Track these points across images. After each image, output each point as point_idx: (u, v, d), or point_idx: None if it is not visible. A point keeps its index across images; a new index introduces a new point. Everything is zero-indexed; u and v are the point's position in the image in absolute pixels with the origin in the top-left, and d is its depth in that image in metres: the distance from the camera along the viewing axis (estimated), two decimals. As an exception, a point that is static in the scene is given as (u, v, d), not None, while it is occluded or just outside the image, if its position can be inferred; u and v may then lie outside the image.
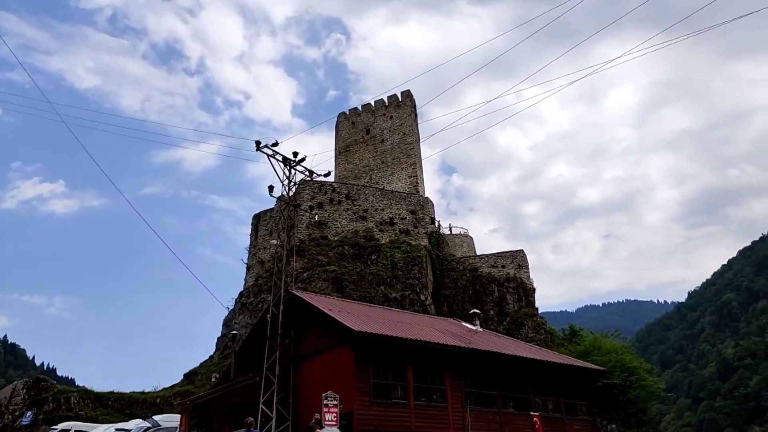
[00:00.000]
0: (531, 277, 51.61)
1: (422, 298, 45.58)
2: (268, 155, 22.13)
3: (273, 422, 19.08)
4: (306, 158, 22.76)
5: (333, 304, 22.42)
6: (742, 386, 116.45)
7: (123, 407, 39.72)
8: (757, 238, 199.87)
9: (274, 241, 28.21)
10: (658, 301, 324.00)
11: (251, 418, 15.00)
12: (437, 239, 53.19)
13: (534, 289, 50.66)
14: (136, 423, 27.27)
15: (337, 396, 15.55)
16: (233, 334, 33.37)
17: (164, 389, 44.93)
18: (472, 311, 29.81)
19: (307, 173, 23.28)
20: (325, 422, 15.02)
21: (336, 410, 15.24)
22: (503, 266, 51.10)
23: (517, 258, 51.89)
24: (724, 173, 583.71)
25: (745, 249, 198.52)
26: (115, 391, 42.20)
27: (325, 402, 15.24)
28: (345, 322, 17.75)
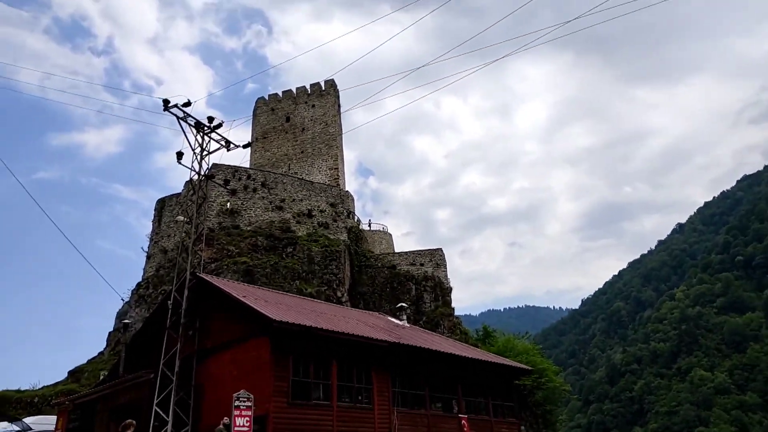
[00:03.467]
0: (448, 276, 51.08)
1: (339, 294, 43.43)
2: (177, 117, 19.12)
3: (169, 426, 16.19)
4: (223, 124, 19.98)
5: (247, 291, 19.80)
6: (628, 390, 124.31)
7: (-8, 407, 35.31)
8: (645, 251, 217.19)
9: (181, 218, 25.00)
10: (554, 307, 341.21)
11: (131, 420, 11.76)
12: (356, 234, 51.22)
13: (451, 289, 50.12)
14: (2, 426, 23.69)
15: (251, 396, 13.10)
16: (125, 323, 29.56)
17: (45, 387, 40.26)
18: (399, 305, 28.03)
19: (223, 143, 20.46)
20: (236, 427, 12.53)
21: (249, 413, 12.80)
22: (421, 264, 50.16)
23: (435, 257, 51.20)
24: (619, 190, 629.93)
25: (634, 261, 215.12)
26: (-16, 389, 37.40)
27: (237, 403, 12.76)
28: (262, 310, 15.33)
